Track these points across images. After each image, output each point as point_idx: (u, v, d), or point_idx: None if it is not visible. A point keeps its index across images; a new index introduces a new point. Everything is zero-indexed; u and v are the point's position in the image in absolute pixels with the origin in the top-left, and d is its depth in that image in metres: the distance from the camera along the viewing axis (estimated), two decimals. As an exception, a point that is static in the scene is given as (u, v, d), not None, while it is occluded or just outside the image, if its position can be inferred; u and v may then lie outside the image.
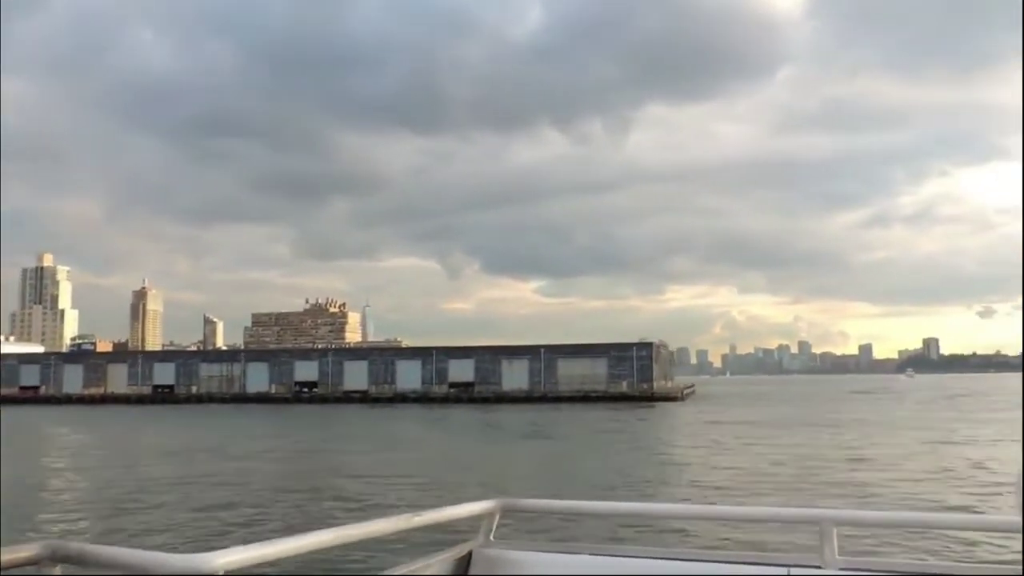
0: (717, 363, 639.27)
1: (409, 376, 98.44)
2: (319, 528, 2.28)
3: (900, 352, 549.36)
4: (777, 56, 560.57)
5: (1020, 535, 2.02)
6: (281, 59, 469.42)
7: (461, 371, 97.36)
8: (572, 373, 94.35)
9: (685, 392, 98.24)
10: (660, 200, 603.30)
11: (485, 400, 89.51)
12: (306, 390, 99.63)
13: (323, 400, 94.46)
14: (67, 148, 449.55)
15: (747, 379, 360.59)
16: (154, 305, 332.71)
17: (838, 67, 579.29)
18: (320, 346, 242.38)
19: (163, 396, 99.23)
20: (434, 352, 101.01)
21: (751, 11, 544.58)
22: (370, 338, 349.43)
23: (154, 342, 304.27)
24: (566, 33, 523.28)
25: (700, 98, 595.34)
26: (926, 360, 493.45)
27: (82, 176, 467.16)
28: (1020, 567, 2.12)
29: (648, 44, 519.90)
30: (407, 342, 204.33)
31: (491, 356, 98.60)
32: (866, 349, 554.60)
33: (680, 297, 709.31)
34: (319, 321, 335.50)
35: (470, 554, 3.02)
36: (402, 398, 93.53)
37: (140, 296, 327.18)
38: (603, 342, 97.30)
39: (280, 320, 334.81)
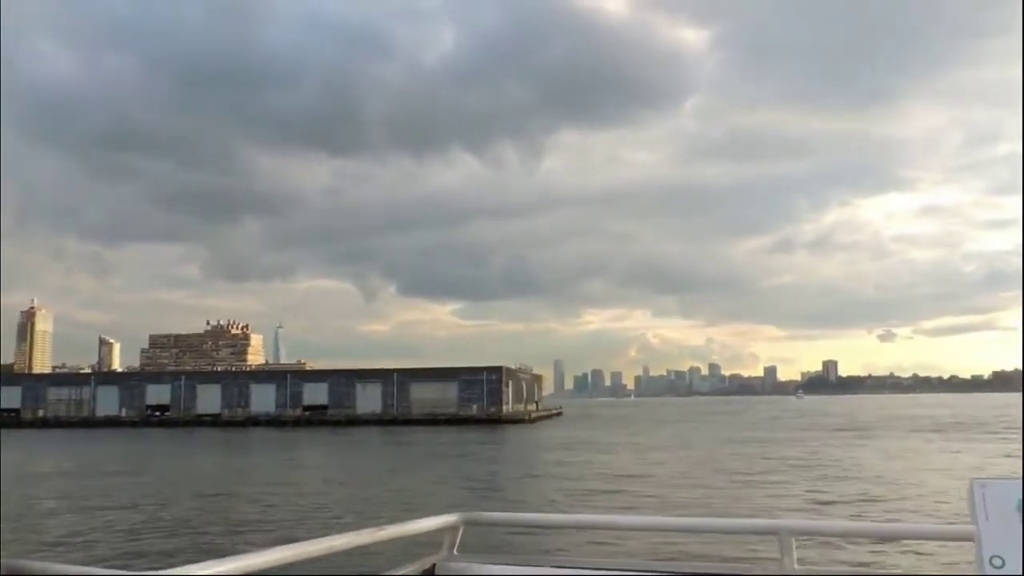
0: (631, 385, 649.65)
1: (263, 399, 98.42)
2: (280, 544, 2.30)
3: (803, 374, 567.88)
4: (684, 86, 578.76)
5: (975, 543, 2.10)
6: (190, 74, 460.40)
7: (315, 394, 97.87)
8: (424, 397, 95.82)
9: (534, 416, 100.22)
10: (574, 225, 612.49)
11: (337, 423, 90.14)
12: (157, 413, 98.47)
13: (174, 424, 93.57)
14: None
15: (654, 401, 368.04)
16: (43, 325, 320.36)
17: (742, 98, 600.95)
18: (220, 368, 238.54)
19: (6, 420, 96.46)
20: (288, 376, 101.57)
21: (658, 42, 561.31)
22: (282, 360, 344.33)
23: (43, 364, 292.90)
24: (479, 58, 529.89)
25: (610, 125, 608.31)
26: (825, 382, 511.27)
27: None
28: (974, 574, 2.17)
29: (559, 71, 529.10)
30: (320, 364, 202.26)
31: (345, 379, 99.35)
32: (771, 371, 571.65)
33: (596, 320, 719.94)
34: (220, 343, 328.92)
35: (433, 567, 3.05)
36: (254, 421, 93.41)
37: (28, 316, 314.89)
38: (456, 366, 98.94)
39: (179, 342, 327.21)
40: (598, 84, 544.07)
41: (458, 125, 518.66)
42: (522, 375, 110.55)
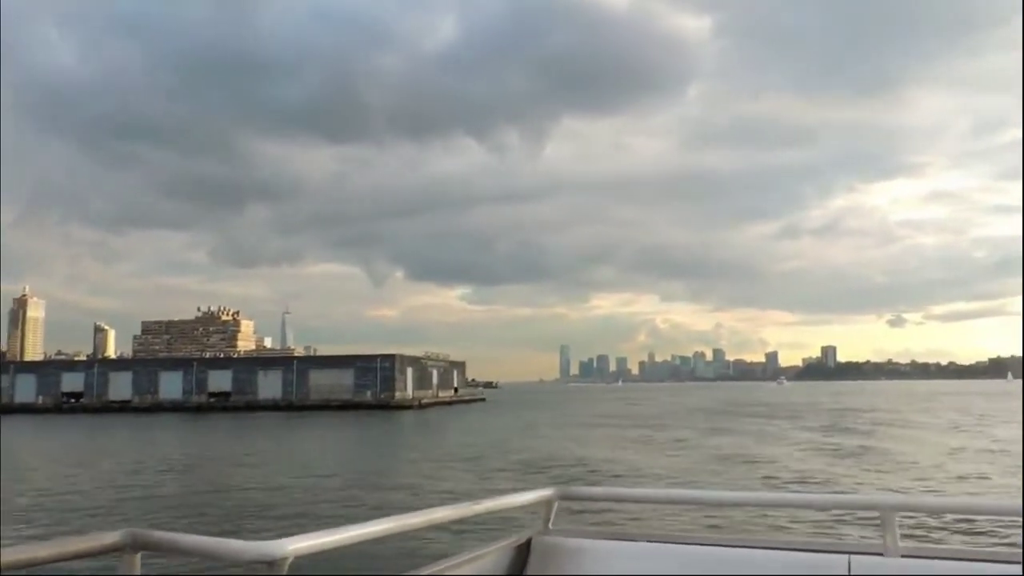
0: (636, 371, 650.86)
1: (171, 386, 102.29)
2: (383, 516, 2.36)
3: (804, 360, 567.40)
4: (687, 73, 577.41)
5: None
6: (192, 63, 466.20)
7: (220, 381, 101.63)
8: (322, 383, 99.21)
9: (425, 402, 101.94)
10: (580, 210, 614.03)
11: (238, 408, 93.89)
12: (72, 400, 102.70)
13: (85, 410, 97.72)
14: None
15: (648, 386, 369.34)
16: (35, 312, 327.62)
17: (746, 85, 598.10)
18: (209, 355, 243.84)
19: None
20: (194, 363, 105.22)
21: (661, 29, 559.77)
22: (290, 344, 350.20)
23: (36, 351, 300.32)
24: (480, 46, 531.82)
25: (614, 112, 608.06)
26: (823, 367, 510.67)
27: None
28: None
29: (561, 58, 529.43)
30: (327, 350, 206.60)
31: (248, 367, 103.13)
32: (772, 357, 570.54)
33: (605, 305, 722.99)
34: (210, 329, 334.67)
35: (529, 541, 3.08)
36: (160, 407, 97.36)
37: (20, 303, 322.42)
38: (353, 354, 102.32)
39: (171, 328, 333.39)
40: (600, 72, 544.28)
41: (460, 112, 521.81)
42: (430, 362, 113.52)
